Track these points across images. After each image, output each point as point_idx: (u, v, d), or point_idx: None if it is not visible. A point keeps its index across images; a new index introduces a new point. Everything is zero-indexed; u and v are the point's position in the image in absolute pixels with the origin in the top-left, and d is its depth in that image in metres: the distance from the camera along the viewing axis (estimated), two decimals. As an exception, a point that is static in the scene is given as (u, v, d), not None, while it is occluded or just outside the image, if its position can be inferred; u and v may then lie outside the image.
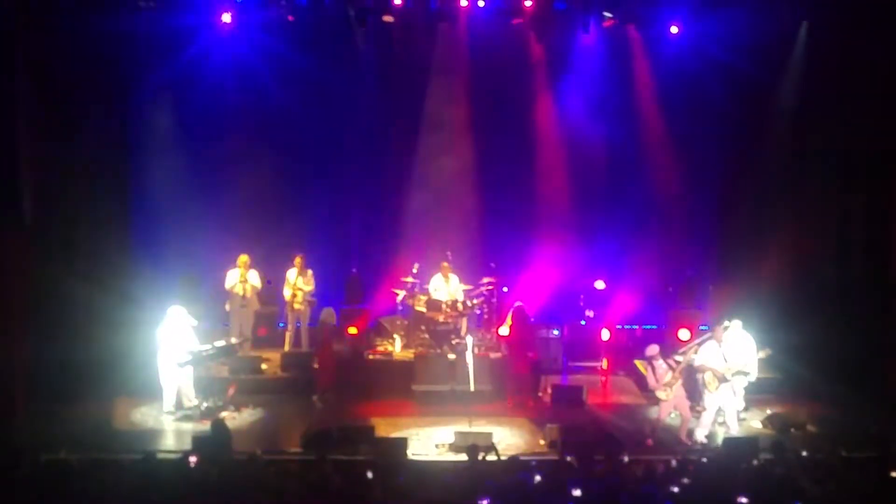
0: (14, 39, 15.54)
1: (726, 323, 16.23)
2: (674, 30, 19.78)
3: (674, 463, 12.19)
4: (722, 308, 18.53)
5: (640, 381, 18.02)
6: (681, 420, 15.65)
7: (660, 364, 15.50)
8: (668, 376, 15.40)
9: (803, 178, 19.10)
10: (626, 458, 12.31)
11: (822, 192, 18.90)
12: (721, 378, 15.45)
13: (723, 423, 15.74)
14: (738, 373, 16.02)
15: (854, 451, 12.29)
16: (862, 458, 11.95)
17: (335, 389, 17.15)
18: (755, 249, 19.80)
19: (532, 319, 18.76)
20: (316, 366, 17.61)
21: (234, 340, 17.44)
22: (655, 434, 15.49)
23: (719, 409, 15.67)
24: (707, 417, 15.55)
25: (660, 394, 15.52)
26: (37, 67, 16.11)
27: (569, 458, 12.81)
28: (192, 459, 12.00)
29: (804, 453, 12.36)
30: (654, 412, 16.09)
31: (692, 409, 16.29)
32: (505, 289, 19.34)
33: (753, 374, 16.22)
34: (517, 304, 18.32)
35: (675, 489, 10.66)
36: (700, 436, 15.44)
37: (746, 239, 20.17)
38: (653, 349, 15.71)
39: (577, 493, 10.29)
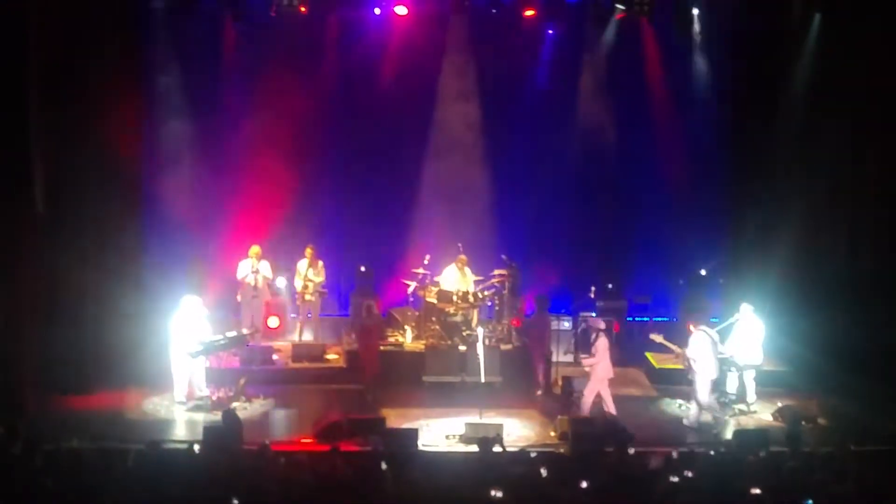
0: (25, 23, 15.54)
1: (737, 314, 16.33)
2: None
3: (674, 454, 12.15)
4: (732, 300, 18.49)
5: (651, 373, 18.08)
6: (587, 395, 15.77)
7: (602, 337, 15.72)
8: (597, 357, 15.60)
9: (815, 168, 19.02)
10: (632, 450, 12.30)
11: (834, 184, 18.83)
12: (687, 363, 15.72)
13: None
14: (747, 365, 16.17)
15: (865, 445, 12.26)
16: (873, 452, 11.92)
17: (379, 381, 17.03)
18: (767, 241, 19.72)
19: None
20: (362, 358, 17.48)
21: (245, 331, 17.46)
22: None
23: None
24: (702, 398, 15.60)
25: (588, 360, 15.78)
26: (48, 55, 16.11)
27: (561, 450, 12.86)
28: (196, 447, 12.08)
29: (815, 447, 12.34)
30: (663, 403, 16.18)
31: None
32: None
33: (759, 360, 16.29)
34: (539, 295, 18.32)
35: (686, 479, 10.65)
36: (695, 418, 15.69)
37: (758, 231, 20.10)
38: (600, 322, 16.01)
39: (583, 484, 10.29)
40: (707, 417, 15.67)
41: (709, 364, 15.48)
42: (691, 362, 15.50)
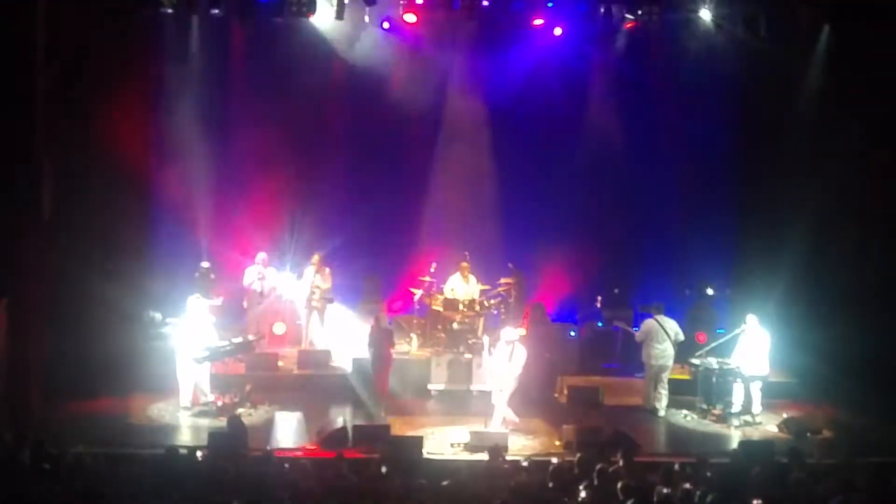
0: (34, 32, 15.58)
1: (743, 325, 16.34)
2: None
3: (676, 466, 12.11)
4: (738, 311, 18.46)
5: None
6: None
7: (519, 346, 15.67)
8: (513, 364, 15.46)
9: (823, 178, 18.99)
10: (641, 459, 12.29)
11: (842, 193, 18.81)
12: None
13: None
14: (753, 376, 16.18)
15: (871, 457, 12.22)
16: (878, 464, 11.87)
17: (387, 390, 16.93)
18: (773, 251, 19.67)
19: (551, 319, 18.75)
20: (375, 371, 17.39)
21: (251, 337, 17.49)
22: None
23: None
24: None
25: (506, 368, 15.54)
26: (55, 60, 16.15)
27: (554, 462, 12.80)
28: (199, 454, 12.09)
29: (820, 458, 12.30)
30: (668, 413, 16.20)
31: (710, 413, 16.32)
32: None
33: (765, 372, 16.28)
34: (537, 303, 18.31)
35: (689, 490, 10.63)
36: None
37: (765, 241, 20.04)
38: (511, 333, 15.81)
39: (582, 494, 10.28)
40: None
41: (650, 350, 16.60)
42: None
